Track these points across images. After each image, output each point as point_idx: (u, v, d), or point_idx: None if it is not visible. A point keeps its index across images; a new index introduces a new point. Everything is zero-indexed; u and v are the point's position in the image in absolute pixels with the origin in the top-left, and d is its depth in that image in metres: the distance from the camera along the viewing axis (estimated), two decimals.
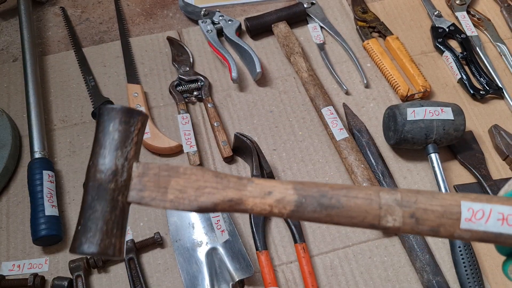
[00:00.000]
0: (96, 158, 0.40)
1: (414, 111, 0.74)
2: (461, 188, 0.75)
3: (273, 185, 0.41)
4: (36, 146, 0.77)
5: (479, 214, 0.40)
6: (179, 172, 0.41)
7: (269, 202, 0.40)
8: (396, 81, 0.84)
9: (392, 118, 0.76)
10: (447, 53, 0.89)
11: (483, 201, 0.40)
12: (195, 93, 0.86)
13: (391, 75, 0.85)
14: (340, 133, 0.80)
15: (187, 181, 0.41)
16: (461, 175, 0.78)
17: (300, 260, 0.69)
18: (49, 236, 0.70)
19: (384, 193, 0.41)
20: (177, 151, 0.79)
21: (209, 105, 0.83)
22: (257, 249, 0.70)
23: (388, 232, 0.44)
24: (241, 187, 0.41)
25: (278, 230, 0.73)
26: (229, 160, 0.79)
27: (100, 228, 0.39)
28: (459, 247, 0.68)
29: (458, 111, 0.75)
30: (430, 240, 0.70)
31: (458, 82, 0.87)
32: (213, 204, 0.41)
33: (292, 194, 0.40)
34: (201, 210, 0.41)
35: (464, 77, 0.86)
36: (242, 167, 0.79)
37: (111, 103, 0.83)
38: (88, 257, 0.70)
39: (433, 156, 0.74)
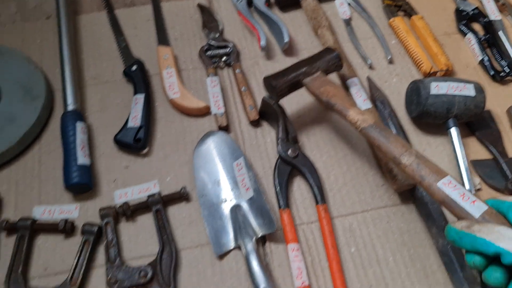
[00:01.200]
0: (307, 61, 0.80)
1: (438, 85, 0.76)
2: (477, 164, 0.78)
3: (364, 113, 0.70)
4: (70, 99, 0.80)
5: (452, 186, 0.59)
6: (333, 85, 0.75)
7: (359, 117, 0.69)
8: (419, 58, 0.87)
9: (415, 91, 0.78)
10: (469, 35, 0.91)
11: (461, 187, 0.59)
12: (223, 58, 0.88)
13: (415, 52, 0.88)
14: (364, 103, 0.82)
15: (333, 89, 0.74)
16: (478, 151, 0.80)
17: (321, 220, 0.71)
18: (80, 184, 0.73)
19: (413, 148, 0.65)
20: (205, 112, 0.82)
21: (237, 71, 0.86)
22: (279, 207, 0.73)
23: (398, 166, 0.65)
24: (352, 104, 0.72)
25: (300, 192, 0.76)
26: (255, 123, 0.81)
27: (284, 78, 0.77)
28: None
29: (479, 89, 0.77)
30: (446, 210, 0.73)
31: (479, 63, 0.89)
32: (334, 104, 0.72)
33: (371, 120, 0.69)
34: (327, 104, 0.73)
35: (485, 58, 0.88)
36: (267, 131, 0.81)
37: (142, 63, 0.86)
38: (118, 206, 0.73)
39: (453, 130, 0.77)
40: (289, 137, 0.77)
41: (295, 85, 0.78)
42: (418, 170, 0.62)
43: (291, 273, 0.68)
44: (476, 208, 0.57)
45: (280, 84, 0.76)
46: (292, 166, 0.75)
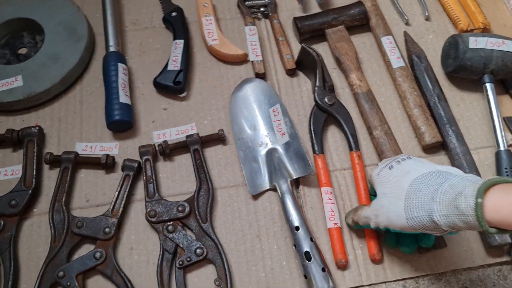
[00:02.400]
0: (335, 11, 0.87)
1: (476, 40, 0.77)
2: (510, 120, 0.79)
3: (363, 79, 0.80)
4: (111, 41, 0.81)
5: None
6: (349, 43, 0.84)
7: (356, 82, 0.80)
8: (457, 16, 0.87)
9: (453, 45, 0.78)
10: None
11: None
12: (261, 9, 0.89)
13: (452, 9, 0.88)
14: (397, 61, 0.83)
15: (347, 48, 0.84)
16: (511, 109, 0.81)
17: (354, 166, 0.73)
18: (122, 121, 0.75)
19: (387, 125, 0.76)
20: (242, 59, 0.84)
21: (275, 21, 0.87)
22: (314, 153, 0.75)
23: (370, 134, 0.77)
24: (357, 68, 0.82)
25: (334, 140, 0.77)
26: (291, 72, 0.83)
27: (309, 22, 0.86)
28: (506, 168, 0.72)
29: None
30: (477, 162, 0.74)
31: None
32: (343, 62, 0.82)
33: (365, 88, 0.79)
34: (337, 59, 0.84)
35: None
36: (303, 81, 0.83)
37: (181, 10, 0.87)
38: (157, 144, 0.75)
39: (488, 85, 0.78)
40: (326, 86, 0.78)
41: (318, 31, 0.86)
42: (381, 144, 0.74)
43: (323, 215, 0.71)
44: None
45: (304, 26, 0.85)
46: (328, 114, 0.77)
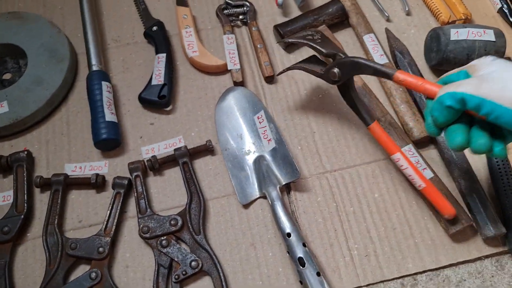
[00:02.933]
0: (314, 12, 0.87)
1: (457, 31, 0.76)
2: None
3: None
4: (94, 60, 0.81)
5: (410, 153, 0.72)
6: (334, 40, 0.83)
7: None
8: (438, 8, 0.87)
9: (435, 39, 0.78)
10: None
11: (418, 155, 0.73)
12: (240, 17, 0.89)
13: (433, 2, 0.88)
14: (380, 58, 0.83)
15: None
16: None
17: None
18: (109, 139, 0.75)
19: (389, 115, 0.75)
20: (223, 69, 0.83)
21: (253, 29, 0.87)
22: (367, 125, 0.70)
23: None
24: None
25: (322, 142, 0.77)
26: (270, 80, 0.83)
27: (290, 28, 0.85)
28: (496, 159, 0.71)
29: (499, 34, 0.77)
30: (467, 155, 0.74)
31: (498, 12, 0.89)
32: None
33: (359, 83, 0.77)
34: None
35: (505, 6, 0.88)
36: (288, 85, 0.82)
37: (162, 23, 0.87)
38: (146, 160, 0.75)
39: None
40: (328, 56, 0.71)
41: None
42: (388, 135, 0.71)
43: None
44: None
45: (287, 32, 0.84)
46: (347, 86, 0.71)
